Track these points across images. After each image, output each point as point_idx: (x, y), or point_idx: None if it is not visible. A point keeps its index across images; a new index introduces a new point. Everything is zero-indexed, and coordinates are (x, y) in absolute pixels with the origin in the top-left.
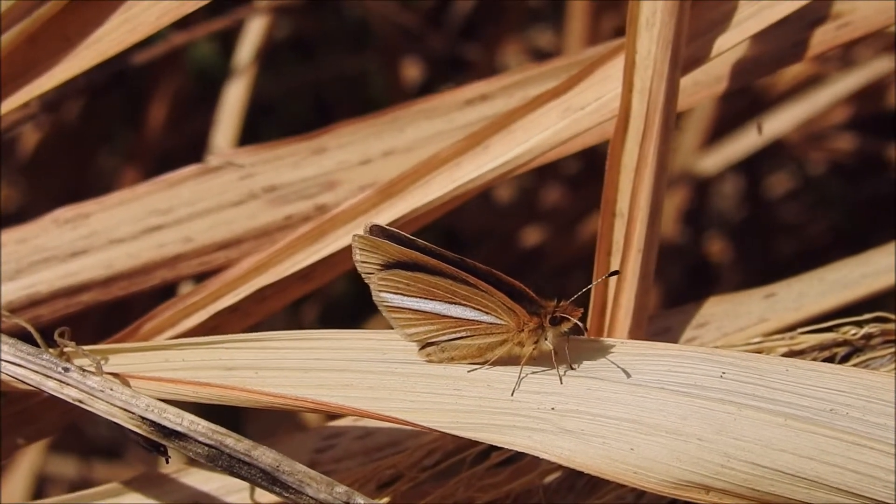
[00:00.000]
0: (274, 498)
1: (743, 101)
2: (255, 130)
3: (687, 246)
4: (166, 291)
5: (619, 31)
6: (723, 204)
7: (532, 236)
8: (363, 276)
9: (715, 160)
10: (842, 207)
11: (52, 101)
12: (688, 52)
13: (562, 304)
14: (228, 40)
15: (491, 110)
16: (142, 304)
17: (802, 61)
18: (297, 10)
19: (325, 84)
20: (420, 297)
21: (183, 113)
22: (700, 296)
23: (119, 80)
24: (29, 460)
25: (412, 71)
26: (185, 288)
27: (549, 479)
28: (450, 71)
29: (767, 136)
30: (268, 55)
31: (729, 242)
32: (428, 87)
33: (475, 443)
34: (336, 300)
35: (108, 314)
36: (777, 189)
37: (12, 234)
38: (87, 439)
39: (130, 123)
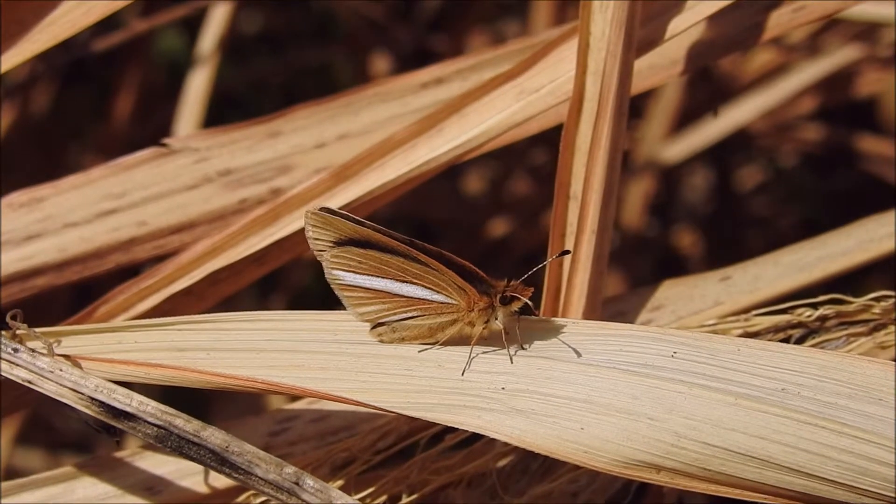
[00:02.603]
0: (228, 481)
1: (709, 90)
2: (222, 123)
3: (657, 238)
4: (132, 275)
5: None
6: (693, 196)
7: (500, 227)
8: (315, 253)
9: (681, 148)
10: (812, 199)
11: (15, 88)
12: (642, 34)
13: (512, 283)
14: (194, 31)
15: (446, 94)
16: (109, 289)
17: (758, 44)
18: (266, 4)
19: (293, 77)
20: (372, 275)
21: (151, 104)
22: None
23: (87, 72)
24: None
25: (380, 64)
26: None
27: (503, 462)
28: (418, 64)
29: (735, 125)
30: (236, 48)
31: (699, 235)
32: None
33: (429, 426)
34: (306, 292)
35: (77, 299)
36: (747, 182)
37: None
38: (56, 433)
39: (100, 117)
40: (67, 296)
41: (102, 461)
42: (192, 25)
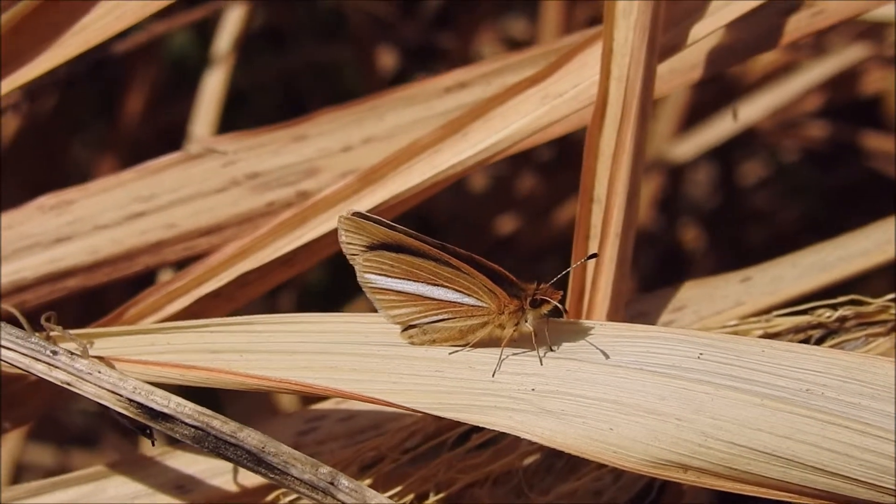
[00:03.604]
0: (257, 480)
1: (716, 89)
2: (229, 121)
3: (661, 234)
4: (143, 278)
5: (594, 21)
6: (696, 192)
7: (506, 224)
8: (348, 257)
9: (688, 147)
10: (814, 195)
11: (33, 90)
12: (664, 39)
13: (541, 286)
14: (204, 31)
15: (469, 98)
16: (118, 292)
17: (776, 48)
18: (270, 2)
19: (298, 74)
20: (404, 279)
21: (158, 104)
22: (674, 283)
23: (95, 71)
24: (8, 449)
25: (386, 60)
26: (165, 276)
27: (528, 460)
28: (424, 60)
29: (740, 123)
30: (241, 45)
31: (702, 230)
32: (402, 77)
33: (455, 425)
34: (312, 289)
35: (85, 302)
36: (750, 177)
37: None
38: (63, 428)
39: (102, 114)
40: (77, 299)
41: (133, 460)
42: (199, 25)
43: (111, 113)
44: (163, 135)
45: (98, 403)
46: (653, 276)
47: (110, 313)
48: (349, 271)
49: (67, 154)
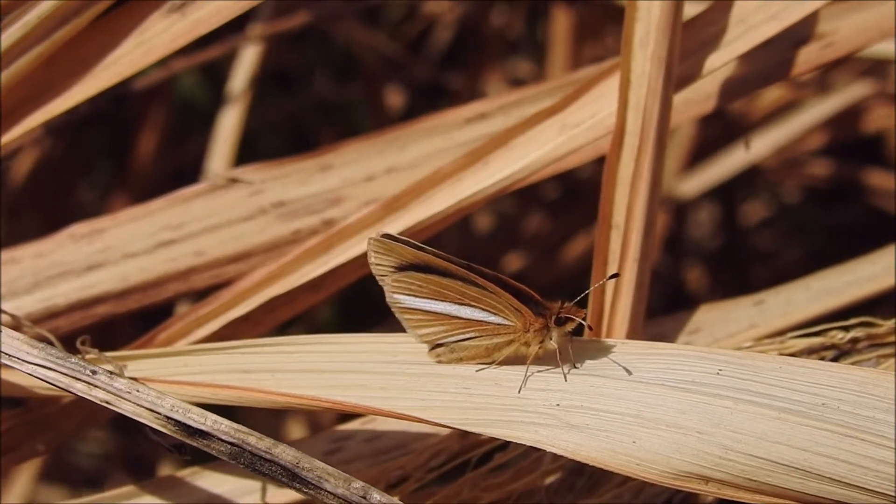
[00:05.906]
0: (285, 499)
1: (720, 127)
2: (241, 160)
3: (665, 273)
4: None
5: (599, 60)
6: (699, 232)
7: (513, 262)
8: (377, 278)
9: (692, 185)
10: (817, 233)
11: (54, 126)
12: (679, 70)
13: (566, 305)
14: (212, 72)
15: (489, 128)
16: (125, 323)
17: (787, 79)
18: (282, 40)
19: (307, 113)
20: (432, 299)
21: (168, 144)
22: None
23: (115, 107)
24: (19, 490)
25: (395, 99)
26: (182, 307)
27: (550, 479)
28: (432, 99)
29: (745, 160)
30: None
31: (706, 270)
32: (410, 115)
33: (479, 445)
34: (322, 327)
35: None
36: (752, 216)
37: (30, 250)
38: (72, 471)
39: (110, 155)
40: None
41: (164, 480)
42: (208, 67)
43: (120, 153)
44: (172, 175)
45: (135, 425)
46: (659, 315)
47: (117, 342)
48: (358, 308)
49: (76, 193)
